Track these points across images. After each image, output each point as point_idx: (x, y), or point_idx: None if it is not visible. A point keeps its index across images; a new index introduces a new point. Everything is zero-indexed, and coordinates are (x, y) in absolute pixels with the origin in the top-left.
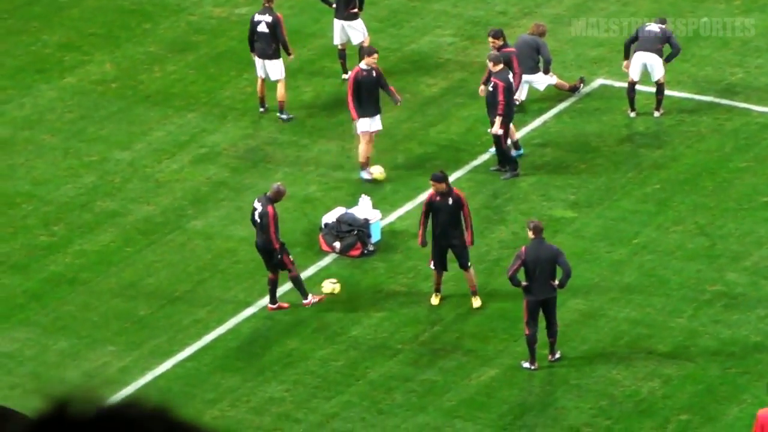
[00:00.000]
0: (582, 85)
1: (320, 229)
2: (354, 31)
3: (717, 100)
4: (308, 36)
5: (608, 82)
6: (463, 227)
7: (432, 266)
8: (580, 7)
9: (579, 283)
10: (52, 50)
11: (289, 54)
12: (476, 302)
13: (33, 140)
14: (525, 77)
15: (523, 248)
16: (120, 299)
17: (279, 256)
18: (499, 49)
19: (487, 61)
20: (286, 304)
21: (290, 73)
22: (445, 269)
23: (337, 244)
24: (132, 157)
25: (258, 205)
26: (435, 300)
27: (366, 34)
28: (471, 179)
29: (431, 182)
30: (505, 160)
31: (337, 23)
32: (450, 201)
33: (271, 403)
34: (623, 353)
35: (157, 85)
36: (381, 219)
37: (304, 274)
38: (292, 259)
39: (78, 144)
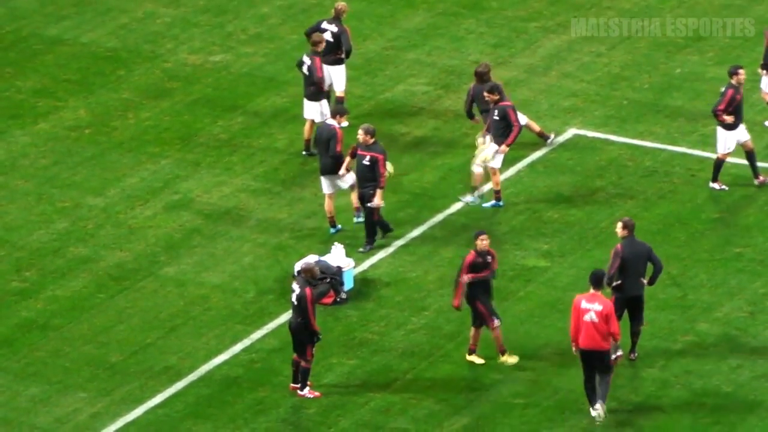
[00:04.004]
0: (553, 136)
1: (293, 276)
2: (335, 77)
3: (689, 150)
4: (283, 83)
5: (581, 132)
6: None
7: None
8: (553, 58)
9: (551, 333)
10: (26, 96)
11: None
12: (512, 359)
13: (6, 186)
14: None
15: (619, 246)
16: (92, 345)
17: (305, 342)
18: (495, 102)
19: (360, 132)
20: (318, 393)
21: (264, 119)
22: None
23: None
24: (105, 203)
25: (296, 287)
26: (480, 359)
27: (343, 86)
28: (444, 227)
29: (479, 239)
30: (371, 233)
31: (324, 67)
32: (489, 259)
33: None
34: None
35: (131, 131)
36: (354, 267)
37: (277, 322)
38: (313, 352)
39: (51, 190)
